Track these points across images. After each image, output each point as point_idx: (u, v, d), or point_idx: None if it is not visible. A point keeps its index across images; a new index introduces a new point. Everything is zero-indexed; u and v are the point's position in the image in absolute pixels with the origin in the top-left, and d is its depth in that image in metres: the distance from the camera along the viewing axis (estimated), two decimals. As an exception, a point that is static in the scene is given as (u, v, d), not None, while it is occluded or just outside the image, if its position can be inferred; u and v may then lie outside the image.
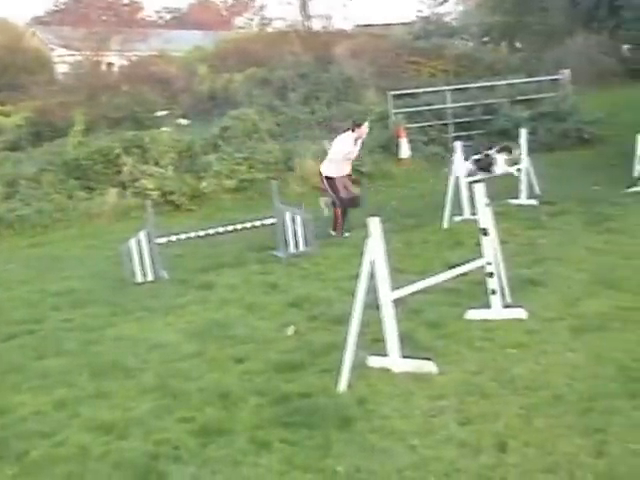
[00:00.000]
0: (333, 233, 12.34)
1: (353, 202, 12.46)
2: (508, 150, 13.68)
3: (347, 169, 12.62)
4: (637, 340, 6.15)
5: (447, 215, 11.72)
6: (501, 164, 13.54)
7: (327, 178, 12.43)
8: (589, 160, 17.12)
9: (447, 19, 33.56)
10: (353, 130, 12.35)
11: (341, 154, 12.32)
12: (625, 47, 28.79)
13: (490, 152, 13.76)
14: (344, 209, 12.31)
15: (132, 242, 10.38)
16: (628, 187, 13.10)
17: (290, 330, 7.46)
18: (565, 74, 21.65)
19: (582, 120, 19.74)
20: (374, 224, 5.96)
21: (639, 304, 6.99)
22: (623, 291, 7.44)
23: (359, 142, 12.50)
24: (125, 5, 34.11)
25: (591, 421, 4.87)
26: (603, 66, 26.11)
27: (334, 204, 12.41)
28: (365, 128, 12.41)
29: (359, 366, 5.98)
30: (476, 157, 13.75)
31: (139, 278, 10.34)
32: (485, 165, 13.57)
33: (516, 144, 13.45)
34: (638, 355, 5.81)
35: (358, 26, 33.97)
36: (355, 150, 12.49)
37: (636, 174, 13.52)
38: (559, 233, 10.24)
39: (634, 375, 5.44)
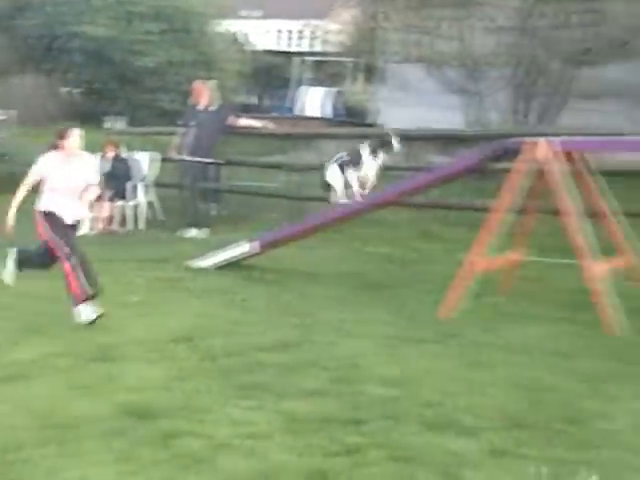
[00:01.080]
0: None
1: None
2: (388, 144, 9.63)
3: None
4: (54, 386, 6.28)
5: None
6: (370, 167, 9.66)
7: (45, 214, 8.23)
8: None
9: None
10: (57, 147, 8.28)
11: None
12: (75, 91, 29.41)
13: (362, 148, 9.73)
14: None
15: None
16: None
17: None
18: (10, 114, 21.48)
19: (29, 162, 19.68)
20: None
21: (59, 349, 7.17)
22: (50, 337, 7.55)
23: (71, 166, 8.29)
24: None
25: (14, 473, 4.75)
26: (54, 107, 26.42)
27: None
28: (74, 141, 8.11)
29: None
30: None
31: None
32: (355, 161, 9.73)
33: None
34: (55, 402, 5.92)
35: None
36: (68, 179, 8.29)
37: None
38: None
39: (50, 422, 5.51)
